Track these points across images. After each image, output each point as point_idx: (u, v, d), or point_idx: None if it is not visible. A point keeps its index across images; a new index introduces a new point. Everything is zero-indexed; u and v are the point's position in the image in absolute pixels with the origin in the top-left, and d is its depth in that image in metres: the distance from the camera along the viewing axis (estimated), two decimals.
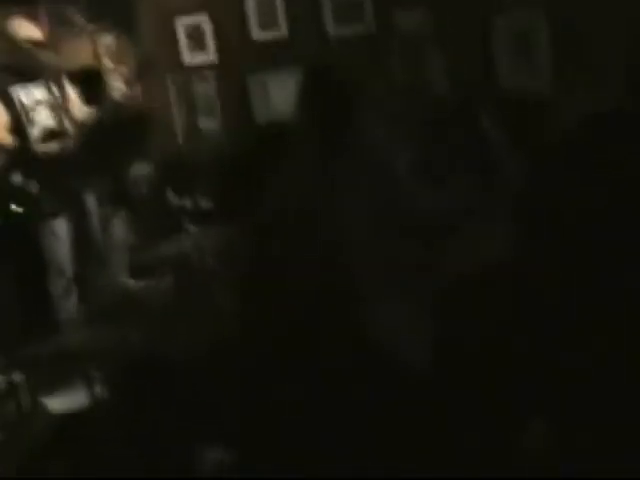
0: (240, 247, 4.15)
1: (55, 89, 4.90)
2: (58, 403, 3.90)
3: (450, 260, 3.07)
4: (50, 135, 4.72)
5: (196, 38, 5.72)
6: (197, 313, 3.97)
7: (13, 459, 3.49)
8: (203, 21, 5.67)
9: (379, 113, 3.49)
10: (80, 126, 4.86)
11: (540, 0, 4.56)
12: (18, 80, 4.67)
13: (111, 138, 4.87)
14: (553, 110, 4.28)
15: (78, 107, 5.00)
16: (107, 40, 5.60)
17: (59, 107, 4.90)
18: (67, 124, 4.89)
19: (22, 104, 4.64)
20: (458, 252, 3.10)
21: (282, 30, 5.50)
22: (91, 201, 5.02)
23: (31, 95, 4.71)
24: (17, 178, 4.55)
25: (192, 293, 4.29)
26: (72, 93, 5.23)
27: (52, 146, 4.69)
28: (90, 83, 5.50)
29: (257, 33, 5.56)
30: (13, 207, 4.84)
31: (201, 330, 3.78)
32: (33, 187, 4.57)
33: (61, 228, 4.78)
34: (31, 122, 4.67)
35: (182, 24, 5.72)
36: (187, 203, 5.20)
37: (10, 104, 4.60)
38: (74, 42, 5.45)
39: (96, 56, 5.53)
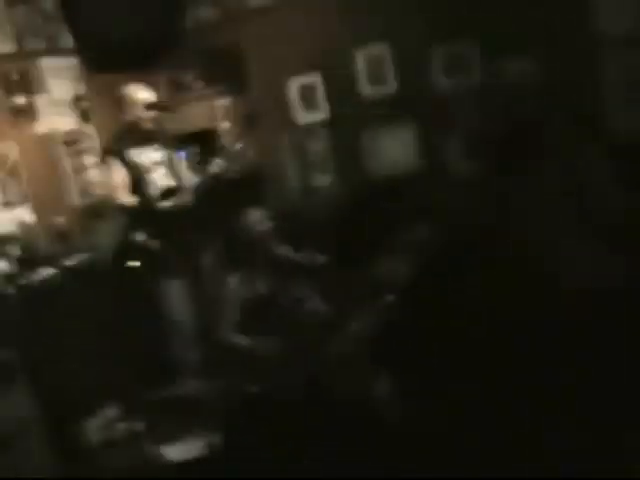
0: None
1: (172, 151, 5.04)
2: (177, 452, 3.96)
3: None
4: (168, 193, 4.82)
5: (308, 97, 5.88)
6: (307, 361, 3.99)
7: None
8: (315, 80, 5.83)
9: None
10: (197, 185, 4.95)
11: None
12: (137, 143, 4.81)
13: (227, 195, 4.94)
14: None
15: (194, 167, 5.16)
16: (223, 102, 5.80)
17: (175, 167, 5.04)
18: (183, 183, 5.01)
19: (141, 166, 4.79)
20: None
21: (391, 86, 5.63)
22: (207, 256, 5.14)
23: (149, 157, 4.85)
24: (140, 236, 4.68)
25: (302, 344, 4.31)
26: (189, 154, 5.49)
27: (170, 204, 4.77)
28: (207, 144, 5.75)
29: (367, 89, 5.69)
30: (131, 263, 5.04)
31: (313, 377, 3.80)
32: (154, 245, 4.68)
33: (179, 284, 4.89)
34: (150, 182, 4.80)
35: (294, 84, 5.89)
36: (304, 258, 5.27)
37: (130, 166, 4.75)
38: (192, 105, 5.68)
39: (213, 118, 5.72)
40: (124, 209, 4.74)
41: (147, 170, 4.81)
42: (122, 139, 4.85)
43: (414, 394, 3.62)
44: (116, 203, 4.74)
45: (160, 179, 4.86)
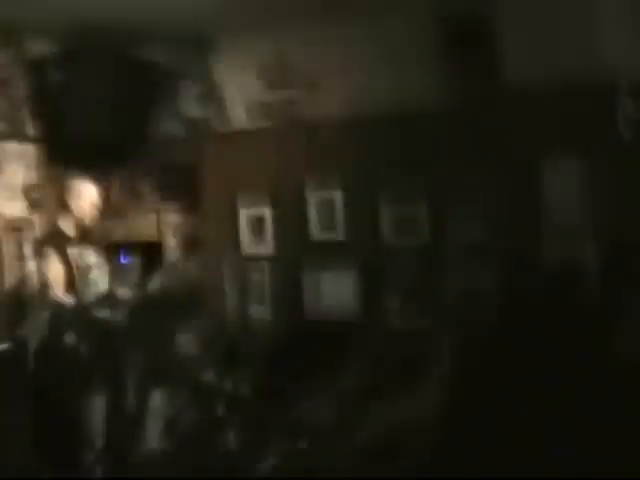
0: None
1: (110, 256, 5.06)
2: None
3: None
4: (103, 300, 4.77)
5: (256, 229, 5.98)
6: None
7: None
8: (265, 215, 5.95)
9: None
10: (132, 297, 4.92)
11: None
12: (76, 241, 4.82)
13: (161, 312, 4.92)
14: None
15: (133, 278, 5.15)
16: (172, 218, 5.85)
17: (113, 273, 5.03)
18: (120, 292, 4.96)
19: (79, 265, 4.75)
20: None
21: (340, 234, 5.77)
22: (131, 372, 5.04)
23: (87, 258, 4.82)
24: (70, 339, 4.58)
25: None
26: (132, 263, 5.48)
27: (104, 312, 4.70)
28: (151, 256, 5.75)
29: (316, 233, 5.83)
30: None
31: None
32: (83, 349, 4.58)
33: (99, 398, 4.73)
34: (86, 284, 4.75)
35: (245, 214, 6.00)
36: (227, 386, 5.22)
37: (67, 263, 4.70)
38: (141, 216, 5.71)
39: (160, 232, 5.75)
40: (57, 306, 4.64)
41: (84, 271, 4.77)
42: (62, 234, 4.83)
43: None
44: (50, 297, 4.66)
45: (96, 282, 4.82)
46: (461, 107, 5.21)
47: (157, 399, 5.04)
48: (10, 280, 5.41)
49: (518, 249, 5.04)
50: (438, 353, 4.97)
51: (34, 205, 5.62)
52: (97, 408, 4.69)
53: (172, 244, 5.81)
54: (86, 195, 4.88)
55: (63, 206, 4.91)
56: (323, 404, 4.76)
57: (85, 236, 4.87)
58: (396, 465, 3.90)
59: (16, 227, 5.49)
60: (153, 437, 4.92)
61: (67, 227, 4.86)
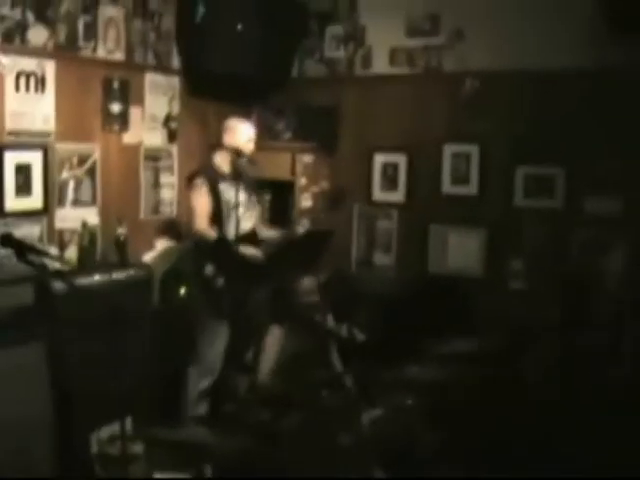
0: None
1: (252, 195, 5.16)
2: None
3: None
4: (243, 237, 4.91)
5: (389, 176, 6.08)
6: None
7: None
8: (400, 162, 6.04)
9: None
10: (277, 240, 5.10)
11: None
12: (226, 178, 4.95)
13: (290, 253, 4.99)
14: None
15: (267, 231, 5.27)
16: (306, 159, 6.01)
17: (254, 212, 5.16)
18: (259, 231, 5.16)
19: (226, 201, 4.90)
20: None
21: (472, 189, 5.81)
22: (255, 308, 5.28)
23: (234, 195, 4.91)
24: (209, 270, 4.80)
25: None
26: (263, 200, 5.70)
27: (243, 249, 4.84)
28: (281, 195, 5.95)
29: (448, 187, 5.89)
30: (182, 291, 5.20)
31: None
32: (219, 283, 4.78)
33: (224, 329, 4.92)
34: (231, 220, 4.89)
35: (379, 160, 6.11)
36: (342, 330, 5.40)
37: (217, 198, 4.87)
38: (274, 154, 5.90)
39: (293, 171, 5.93)
40: (201, 239, 4.85)
41: (232, 207, 4.90)
42: (215, 169, 4.99)
43: None
44: (196, 230, 4.87)
45: (241, 220, 4.94)
46: (615, 66, 5.08)
47: (275, 336, 5.29)
48: (144, 206, 5.76)
49: None
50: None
51: (172, 136, 5.91)
52: (219, 340, 4.92)
53: (304, 185, 5.97)
54: (243, 132, 4.99)
55: (218, 142, 5.07)
56: (435, 362, 4.87)
57: (232, 172, 4.99)
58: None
59: (155, 156, 5.81)
60: (264, 372, 5.20)
61: (221, 162, 5.00)
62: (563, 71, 5.26)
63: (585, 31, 5.15)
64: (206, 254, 4.82)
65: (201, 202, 4.86)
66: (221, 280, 4.77)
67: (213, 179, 4.89)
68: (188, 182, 5.04)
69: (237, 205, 4.88)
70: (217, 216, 4.88)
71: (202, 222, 4.84)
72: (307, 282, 5.33)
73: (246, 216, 5.01)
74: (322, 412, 4.32)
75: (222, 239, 4.81)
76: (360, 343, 5.44)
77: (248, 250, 4.84)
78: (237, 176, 4.95)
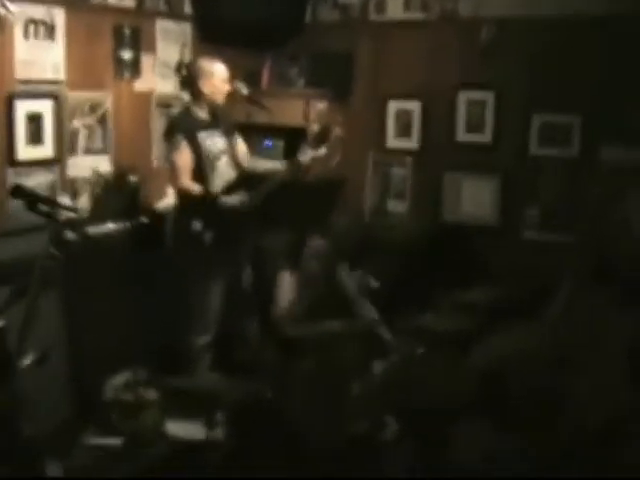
0: None
1: (232, 138, 5.03)
2: (177, 429, 4.27)
3: None
4: (231, 187, 4.81)
5: (404, 123, 6.13)
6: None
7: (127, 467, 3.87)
8: (414, 109, 6.07)
9: None
10: (266, 183, 4.82)
11: None
12: (204, 126, 4.85)
13: (296, 202, 4.95)
14: None
15: (265, 162, 5.23)
16: (319, 106, 6.05)
17: (237, 157, 5.03)
18: (253, 164, 5.09)
19: (208, 151, 4.82)
20: None
21: (487, 137, 5.84)
22: (259, 258, 5.32)
23: (215, 142, 4.87)
24: (196, 226, 4.70)
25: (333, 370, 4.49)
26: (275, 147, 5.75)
27: (232, 199, 4.73)
28: (293, 142, 5.98)
29: (462, 135, 5.93)
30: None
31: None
32: (208, 238, 4.70)
33: (219, 282, 4.90)
34: (214, 171, 4.83)
35: (394, 106, 6.15)
36: (358, 278, 5.48)
37: (198, 150, 4.77)
38: (287, 100, 5.94)
39: (305, 117, 5.98)
40: (185, 195, 4.78)
41: (214, 157, 4.84)
42: (191, 119, 4.88)
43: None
44: (179, 187, 4.79)
45: (224, 169, 4.89)
46: (633, 16, 5.07)
47: (287, 280, 5.37)
48: (158, 154, 5.82)
49: None
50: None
51: (184, 83, 5.95)
52: (215, 295, 4.91)
53: (317, 131, 6.00)
54: (215, 74, 4.85)
55: (192, 86, 4.94)
56: (447, 312, 4.94)
57: (215, 119, 4.91)
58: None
59: (167, 104, 5.85)
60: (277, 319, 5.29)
61: (198, 109, 4.90)
62: (580, 17, 5.24)
63: None
64: (192, 210, 4.74)
65: (182, 158, 4.73)
66: (209, 235, 4.70)
67: (191, 131, 4.78)
68: (166, 137, 4.97)
69: (218, 154, 4.86)
70: (199, 169, 4.79)
71: (185, 178, 4.73)
72: (317, 243, 5.39)
73: (230, 164, 4.95)
74: (334, 359, 4.39)
75: (207, 192, 4.74)
76: (374, 291, 5.51)
77: (231, 199, 4.73)
78: (215, 122, 4.90)
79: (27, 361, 3.31)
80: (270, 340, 5.02)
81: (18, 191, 3.34)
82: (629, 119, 5.18)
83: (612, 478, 3.11)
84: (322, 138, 5.09)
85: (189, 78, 5.07)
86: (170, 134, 4.85)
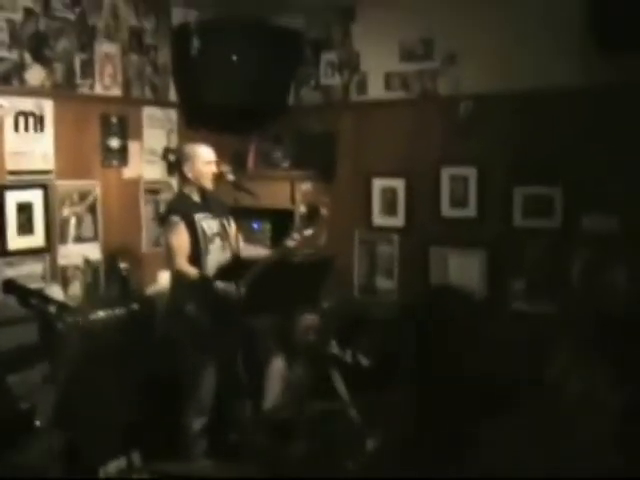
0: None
1: (231, 225, 5.11)
2: None
3: None
4: (224, 271, 4.81)
5: (389, 201, 6.24)
6: None
7: None
8: (399, 186, 6.19)
9: None
10: (256, 266, 4.78)
11: None
12: (199, 208, 4.93)
13: (286, 282, 4.83)
14: None
15: (253, 249, 5.28)
16: (305, 187, 6.15)
17: (229, 239, 5.05)
18: (243, 250, 5.09)
19: (204, 233, 4.87)
20: None
21: (472, 211, 5.94)
22: (250, 341, 5.35)
23: (209, 225, 4.93)
24: (191, 309, 4.78)
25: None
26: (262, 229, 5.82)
27: (224, 285, 4.67)
28: (281, 223, 6.06)
29: (447, 210, 6.01)
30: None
31: None
32: (204, 322, 4.76)
33: (213, 365, 4.94)
34: (208, 253, 4.86)
35: (378, 185, 6.27)
36: (347, 357, 5.50)
37: (194, 232, 4.82)
38: (273, 182, 6.05)
39: (292, 199, 6.07)
40: (181, 277, 4.81)
41: (209, 239, 4.89)
42: (185, 201, 4.95)
43: None
44: (177, 269, 4.81)
45: (218, 252, 4.93)
46: (608, 87, 5.22)
47: (277, 366, 5.38)
48: (148, 240, 5.91)
49: None
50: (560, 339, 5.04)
51: (171, 168, 6.06)
52: (209, 378, 4.94)
53: (304, 212, 6.09)
54: (200, 158, 4.92)
55: (180, 172, 5.05)
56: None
57: (207, 202, 4.98)
58: None
59: (155, 189, 5.98)
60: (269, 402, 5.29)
61: (190, 192, 4.98)
62: (556, 90, 5.37)
63: (575, 50, 5.28)
64: (187, 293, 4.79)
65: (180, 239, 4.78)
66: (204, 318, 4.76)
67: (188, 213, 4.85)
68: (161, 221, 5.07)
69: (212, 237, 4.90)
70: (194, 251, 4.83)
71: (182, 261, 4.76)
72: (308, 319, 5.40)
73: (223, 247, 4.98)
74: (326, 441, 4.40)
75: (203, 276, 4.75)
76: (365, 369, 5.53)
77: (221, 285, 4.69)
78: (207, 205, 4.96)
79: None
80: (262, 424, 5.01)
81: (10, 286, 3.39)
82: (606, 188, 5.28)
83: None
84: (310, 220, 5.16)
85: (176, 163, 5.17)
86: (167, 216, 4.92)
